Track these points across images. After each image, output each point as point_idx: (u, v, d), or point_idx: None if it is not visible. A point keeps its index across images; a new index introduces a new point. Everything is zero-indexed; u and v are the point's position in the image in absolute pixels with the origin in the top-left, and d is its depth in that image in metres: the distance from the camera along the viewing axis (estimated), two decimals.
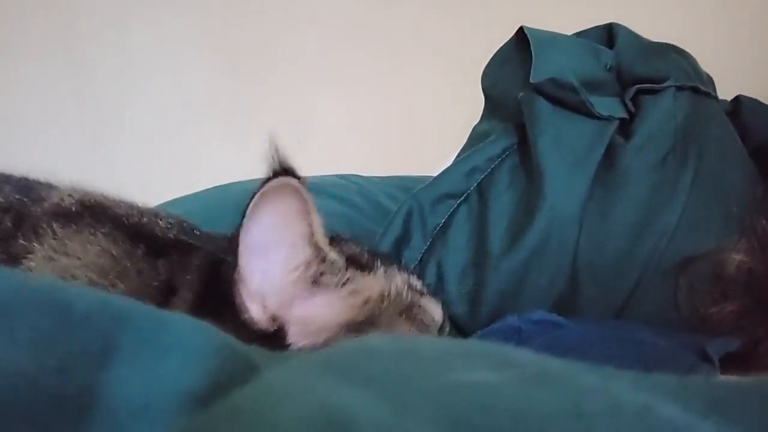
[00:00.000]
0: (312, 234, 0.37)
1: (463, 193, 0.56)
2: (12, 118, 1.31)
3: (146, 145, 1.31)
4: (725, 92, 0.62)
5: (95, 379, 0.18)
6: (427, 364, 0.19)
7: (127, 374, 0.19)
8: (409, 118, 1.20)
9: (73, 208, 0.39)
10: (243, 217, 0.35)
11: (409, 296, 0.42)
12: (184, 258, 0.38)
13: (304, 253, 0.37)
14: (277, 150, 0.35)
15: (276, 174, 0.34)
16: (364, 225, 0.58)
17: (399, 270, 0.44)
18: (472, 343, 0.21)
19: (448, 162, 0.60)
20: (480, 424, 0.16)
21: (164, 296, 0.37)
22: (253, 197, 0.34)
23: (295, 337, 0.37)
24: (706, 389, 0.18)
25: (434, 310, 0.44)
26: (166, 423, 0.18)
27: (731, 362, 0.43)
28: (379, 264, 0.42)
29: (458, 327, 0.51)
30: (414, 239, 0.54)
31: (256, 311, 0.36)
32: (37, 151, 1.26)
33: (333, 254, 0.39)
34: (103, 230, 0.37)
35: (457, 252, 0.53)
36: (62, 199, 0.39)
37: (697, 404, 0.17)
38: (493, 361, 0.19)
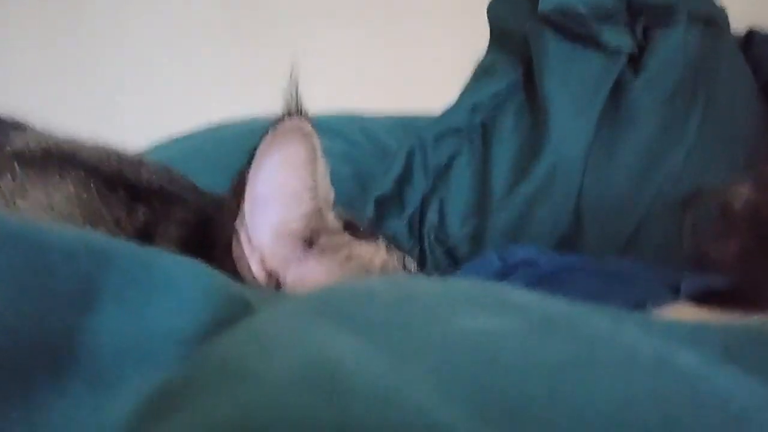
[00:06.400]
0: (315, 187, 0.35)
1: (467, 131, 0.54)
2: (6, 61, 1.28)
3: (143, 85, 1.29)
4: (738, 25, 0.60)
5: (77, 324, 0.17)
6: (427, 309, 0.18)
7: (112, 317, 0.18)
8: (412, 54, 1.18)
9: (39, 154, 0.36)
10: (250, 160, 0.32)
11: None
12: (168, 208, 0.36)
13: (305, 206, 0.35)
14: (294, 88, 0.32)
15: (289, 115, 0.32)
16: (366, 164, 0.57)
17: (394, 247, 0.41)
18: (476, 286, 0.20)
19: (452, 98, 0.59)
20: (483, 378, 0.15)
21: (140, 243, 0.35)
22: (262, 139, 0.32)
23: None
24: (722, 335, 0.17)
25: None
26: (154, 367, 0.17)
27: (731, 301, 0.42)
28: (378, 235, 0.40)
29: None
30: (416, 178, 0.53)
31: (255, 265, 0.34)
32: (33, 93, 1.24)
33: (331, 215, 0.36)
34: (72, 175, 0.35)
35: (459, 192, 0.53)
36: (28, 144, 0.37)
37: (713, 352, 0.16)
38: (497, 306, 0.18)
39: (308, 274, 0.35)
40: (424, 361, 0.15)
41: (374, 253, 0.39)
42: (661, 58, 0.53)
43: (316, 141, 0.33)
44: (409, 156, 0.54)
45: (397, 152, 0.54)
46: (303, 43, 1.21)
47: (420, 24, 1.18)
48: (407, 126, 0.62)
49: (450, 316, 0.17)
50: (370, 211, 0.52)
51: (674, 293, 0.40)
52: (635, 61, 0.54)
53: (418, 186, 0.53)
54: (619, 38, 0.54)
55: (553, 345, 0.16)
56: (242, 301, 0.20)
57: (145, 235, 0.35)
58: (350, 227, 0.38)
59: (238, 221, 0.33)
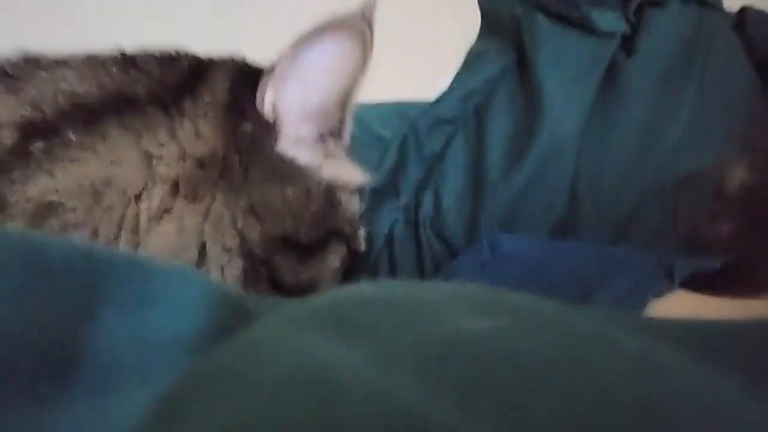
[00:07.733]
0: (350, 93, 0.36)
1: (460, 118, 0.54)
2: None
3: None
4: (730, 3, 0.60)
5: (80, 333, 0.18)
6: (419, 313, 0.19)
7: (114, 326, 0.18)
8: (403, 40, 1.17)
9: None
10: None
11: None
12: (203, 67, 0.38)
13: (336, 103, 0.36)
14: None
15: (364, 17, 0.33)
16: (359, 153, 0.57)
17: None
18: (466, 287, 0.21)
19: (444, 84, 0.58)
20: (472, 371, 0.15)
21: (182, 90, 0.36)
22: (328, 21, 0.33)
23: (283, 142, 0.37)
24: (705, 333, 0.18)
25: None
26: (157, 377, 0.17)
27: (724, 283, 0.42)
28: None
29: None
30: (410, 168, 0.53)
31: (268, 98, 0.35)
32: None
33: (347, 128, 0.38)
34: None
35: (454, 179, 0.53)
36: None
37: (695, 349, 0.17)
38: (487, 307, 0.19)
39: (301, 154, 0.37)
40: (414, 362, 0.16)
41: (356, 177, 0.40)
42: (654, 39, 0.53)
43: (370, 56, 0.35)
44: (403, 145, 0.54)
45: (390, 142, 0.54)
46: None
47: (411, 11, 1.17)
48: (401, 114, 0.62)
49: (441, 319, 0.18)
50: (365, 202, 0.52)
51: (668, 277, 0.40)
52: (629, 42, 0.54)
53: (412, 175, 0.53)
54: (611, 21, 0.54)
55: (541, 341, 0.17)
56: (243, 309, 0.21)
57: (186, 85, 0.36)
58: None
59: (270, 76, 0.34)
